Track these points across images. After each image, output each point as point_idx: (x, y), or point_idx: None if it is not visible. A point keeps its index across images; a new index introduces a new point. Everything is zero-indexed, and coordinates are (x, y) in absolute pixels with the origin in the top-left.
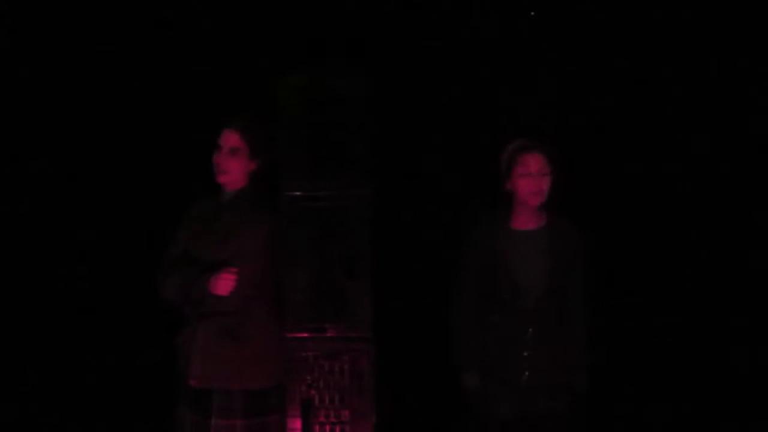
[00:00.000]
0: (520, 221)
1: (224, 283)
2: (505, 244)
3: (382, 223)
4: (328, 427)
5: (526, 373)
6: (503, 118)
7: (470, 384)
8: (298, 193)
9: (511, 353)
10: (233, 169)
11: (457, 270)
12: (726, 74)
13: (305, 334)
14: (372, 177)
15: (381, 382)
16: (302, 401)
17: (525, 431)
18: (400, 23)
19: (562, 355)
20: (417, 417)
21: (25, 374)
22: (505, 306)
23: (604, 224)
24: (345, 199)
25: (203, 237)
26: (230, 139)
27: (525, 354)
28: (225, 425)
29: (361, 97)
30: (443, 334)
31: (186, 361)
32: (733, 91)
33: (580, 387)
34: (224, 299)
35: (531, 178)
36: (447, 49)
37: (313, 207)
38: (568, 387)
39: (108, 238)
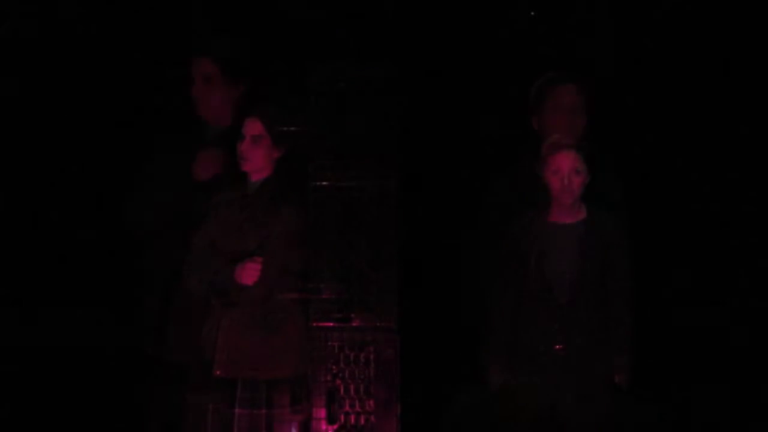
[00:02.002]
0: (557, 214)
1: (249, 273)
2: (539, 236)
3: (408, 212)
4: (353, 417)
5: (558, 368)
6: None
7: (494, 382)
8: (324, 183)
9: (543, 347)
10: (256, 157)
11: (497, 266)
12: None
13: (330, 324)
14: (398, 167)
15: (406, 372)
16: (327, 391)
17: (553, 426)
18: (430, 13)
19: (598, 352)
20: (443, 407)
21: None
22: (536, 300)
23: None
24: (371, 189)
25: (229, 227)
26: (252, 127)
27: (557, 347)
28: (249, 415)
29: (389, 87)
30: (470, 324)
31: (210, 351)
32: None
33: (622, 384)
34: (250, 289)
35: (561, 177)
36: (476, 40)
37: (339, 196)
38: (604, 384)
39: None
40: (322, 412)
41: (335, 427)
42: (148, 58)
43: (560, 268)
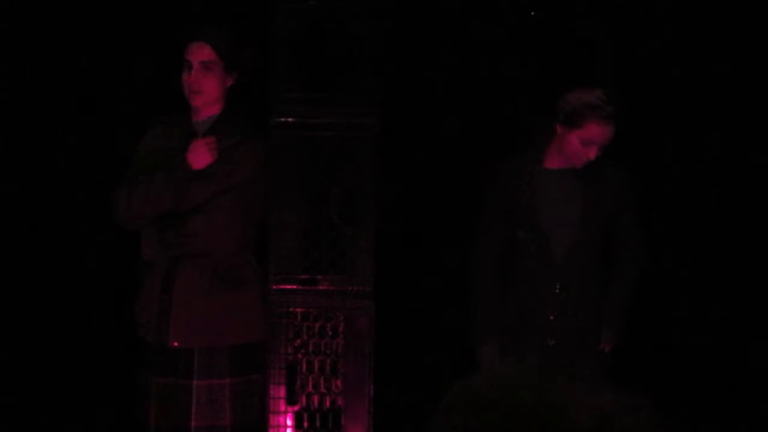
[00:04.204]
0: (554, 160)
1: (200, 152)
2: (534, 183)
3: (388, 158)
4: (316, 398)
5: (552, 342)
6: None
7: (486, 359)
8: (290, 119)
9: (536, 317)
10: (209, 88)
11: (478, 216)
12: None
13: (293, 287)
14: (380, 104)
15: (382, 346)
16: (287, 366)
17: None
18: None
19: (595, 319)
20: (422, 387)
21: None
22: (530, 259)
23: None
24: (346, 129)
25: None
26: (201, 52)
27: (551, 318)
28: (210, 386)
29: (373, 11)
30: (458, 290)
31: (159, 319)
32: None
33: (607, 342)
34: (210, 242)
35: (591, 150)
36: None
37: (308, 136)
38: (596, 350)
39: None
40: (280, 391)
41: (295, 408)
42: (138, 45)
43: (555, 221)
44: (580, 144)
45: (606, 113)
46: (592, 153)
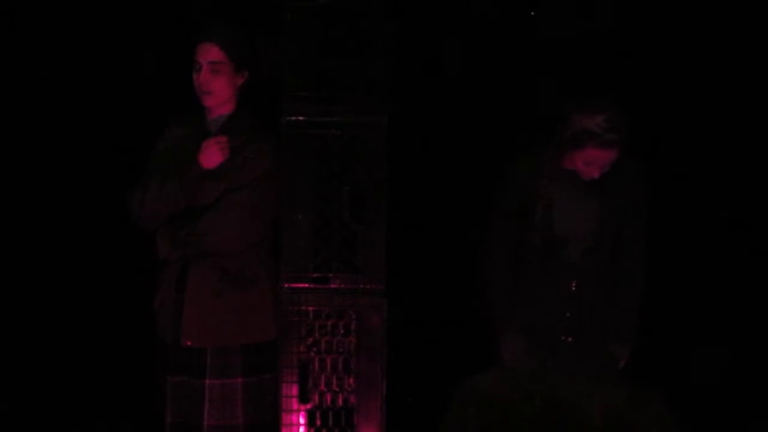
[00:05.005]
0: (570, 162)
1: (212, 151)
2: (550, 182)
3: (398, 156)
4: (329, 396)
5: (569, 339)
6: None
7: (512, 347)
8: (301, 118)
9: (552, 314)
10: (219, 88)
11: (491, 210)
12: None
13: (305, 285)
14: (389, 102)
15: (393, 343)
16: (299, 365)
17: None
18: None
19: (608, 319)
20: (434, 384)
21: None
22: (545, 258)
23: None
24: (356, 127)
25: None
26: (209, 53)
27: (568, 315)
28: (222, 385)
29: (382, 10)
30: (470, 287)
31: (172, 319)
32: None
33: (619, 357)
34: (221, 241)
35: (593, 169)
36: None
37: (319, 135)
38: (608, 353)
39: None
40: (293, 389)
41: (308, 407)
42: (147, 46)
43: (571, 222)
44: (582, 164)
45: (604, 140)
46: (595, 172)
